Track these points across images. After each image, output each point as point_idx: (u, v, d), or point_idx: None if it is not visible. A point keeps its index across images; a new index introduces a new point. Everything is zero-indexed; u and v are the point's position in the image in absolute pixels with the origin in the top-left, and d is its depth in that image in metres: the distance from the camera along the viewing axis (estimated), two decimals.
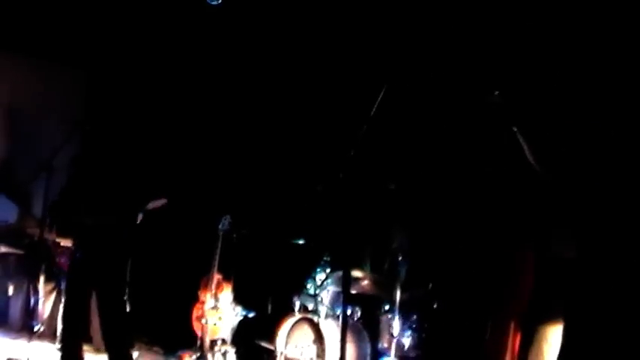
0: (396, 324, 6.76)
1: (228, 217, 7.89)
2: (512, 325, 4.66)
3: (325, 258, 7.35)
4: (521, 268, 4.55)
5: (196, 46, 8.44)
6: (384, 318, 7.03)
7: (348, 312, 6.81)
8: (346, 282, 5.47)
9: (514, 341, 4.58)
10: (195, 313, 7.89)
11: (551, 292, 4.11)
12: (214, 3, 7.32)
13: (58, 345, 6.28)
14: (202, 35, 8.25)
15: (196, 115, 8.95)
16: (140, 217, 6.77)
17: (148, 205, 6.92)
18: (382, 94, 4.71)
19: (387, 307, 7.02)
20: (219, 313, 7.78)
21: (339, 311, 7.20)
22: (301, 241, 7.63)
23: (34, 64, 9.16)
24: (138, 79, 8.69)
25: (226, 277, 7.94)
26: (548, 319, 4.11)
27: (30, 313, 7.69)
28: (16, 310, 8.27)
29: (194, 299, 7.94)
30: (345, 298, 5.57)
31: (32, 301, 7.67)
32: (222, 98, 8.77)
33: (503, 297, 4.79)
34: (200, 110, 8.93)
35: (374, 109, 4.68)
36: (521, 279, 4.54)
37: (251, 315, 8.01)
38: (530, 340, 4.18)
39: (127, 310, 6.49)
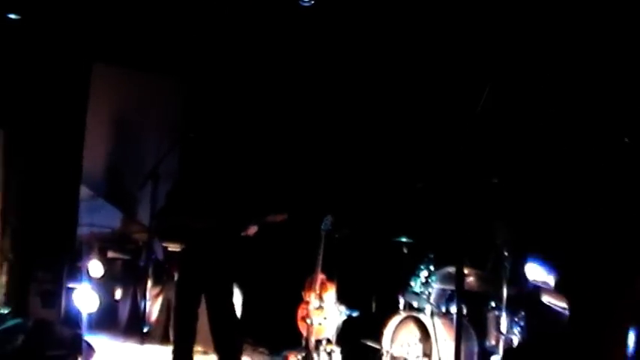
0: (504, 321, 6.76)
1: (329, 216, 8.01)
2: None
3: (429, 255, 7.36)
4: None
5: (293, 48, 8.57)
6: (490, 315, 6.99)
7: (454, 309, 6.88)
8: (459, 279, 5.50)
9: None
10: (300, 314, 8.05)
11: None
12: (306, 4, 7.51)
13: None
14: (297, 36, 8.39)
15: (296, 116, 9.09)
16: (255, 229, 7.04)
17: (267, 218, 7.09)
18: (487, 90, 4.84)
19: (493, 304, 6.99)
20: (324, 313, 7.92)
21: (444, 308, 7.33)
22: (404, 239, 7.63)
23: (136, 76, 9.55)
24: (238, 83, 8.91)
25: (330, 277, 8.07)
26: None
27: (138, 316, 7.98)
28: (124, 313, 8.65)
29: (299, 300, 8.10)
30: (458, 295, 5.70)
31: (140, 304, 8.00)
32: (322, 98, 8.86)
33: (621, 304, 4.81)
34: (300, 110, 9.06)
35: (480, 105, 4.80)
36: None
37: (355, 314, 8.09)
38: None
39: (236, 312, 6.64)
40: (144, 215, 8.32)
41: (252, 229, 7.08)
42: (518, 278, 6.74)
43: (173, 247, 6.84)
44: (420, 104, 8.01)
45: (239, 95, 8.87)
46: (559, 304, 6.42)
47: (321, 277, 8.02)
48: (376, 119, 8.48)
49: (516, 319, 6.80)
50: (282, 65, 8.85)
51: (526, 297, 6.70)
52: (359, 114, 8.63)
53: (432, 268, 7.37)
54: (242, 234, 6.87)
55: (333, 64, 8.54)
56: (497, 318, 6.84)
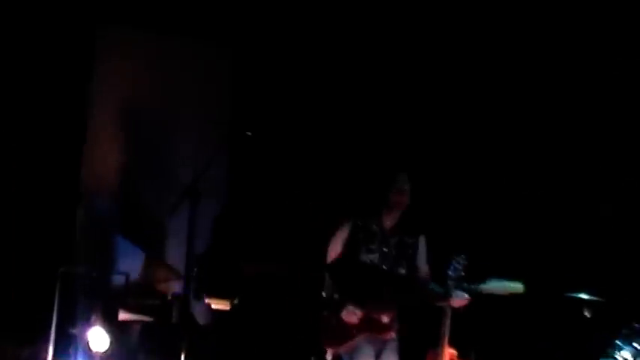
0: None
1: (462, 257, 6.53)
2: None
3: (633, 324, 6.24)
4: None
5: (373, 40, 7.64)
6: None
7: None
8: None
9: None
10: None
11: None
12: None
13: None
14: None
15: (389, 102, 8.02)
16: (467, 299, 6.32)
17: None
18: None
19: None
20: None
21: None
22: (586, 296, 6.49)
23: (160, 42, 7.93)
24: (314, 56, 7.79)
25: (464, 354, 6.78)
26: None
27: None
28: None
29: None
30: None
31: None
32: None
33: None
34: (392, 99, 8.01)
35: None
36: None
37: None
38: None
39: None
40: (176, 255, 6.96)
41: (462, 301, 6.35)
42: None
43: (219, 305, 6.30)
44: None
45: (315, 74, 7.71)
46: None
47: (450, 352, 6.67)
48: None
49: None
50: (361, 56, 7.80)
51: None
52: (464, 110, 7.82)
53: (636, 344, 6.24)
54: (451, 305, 6.24)
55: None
56: None
